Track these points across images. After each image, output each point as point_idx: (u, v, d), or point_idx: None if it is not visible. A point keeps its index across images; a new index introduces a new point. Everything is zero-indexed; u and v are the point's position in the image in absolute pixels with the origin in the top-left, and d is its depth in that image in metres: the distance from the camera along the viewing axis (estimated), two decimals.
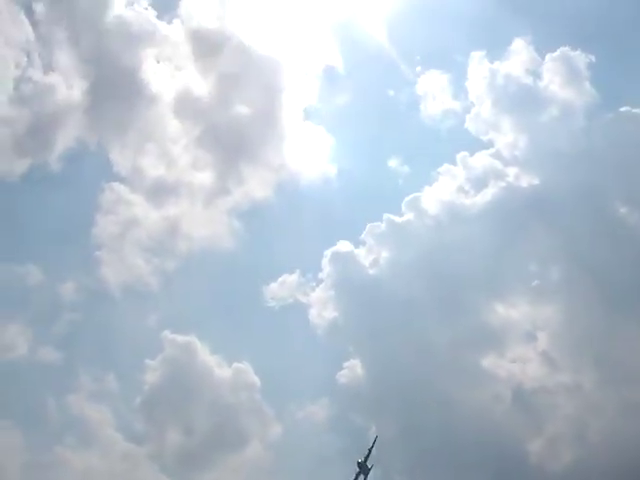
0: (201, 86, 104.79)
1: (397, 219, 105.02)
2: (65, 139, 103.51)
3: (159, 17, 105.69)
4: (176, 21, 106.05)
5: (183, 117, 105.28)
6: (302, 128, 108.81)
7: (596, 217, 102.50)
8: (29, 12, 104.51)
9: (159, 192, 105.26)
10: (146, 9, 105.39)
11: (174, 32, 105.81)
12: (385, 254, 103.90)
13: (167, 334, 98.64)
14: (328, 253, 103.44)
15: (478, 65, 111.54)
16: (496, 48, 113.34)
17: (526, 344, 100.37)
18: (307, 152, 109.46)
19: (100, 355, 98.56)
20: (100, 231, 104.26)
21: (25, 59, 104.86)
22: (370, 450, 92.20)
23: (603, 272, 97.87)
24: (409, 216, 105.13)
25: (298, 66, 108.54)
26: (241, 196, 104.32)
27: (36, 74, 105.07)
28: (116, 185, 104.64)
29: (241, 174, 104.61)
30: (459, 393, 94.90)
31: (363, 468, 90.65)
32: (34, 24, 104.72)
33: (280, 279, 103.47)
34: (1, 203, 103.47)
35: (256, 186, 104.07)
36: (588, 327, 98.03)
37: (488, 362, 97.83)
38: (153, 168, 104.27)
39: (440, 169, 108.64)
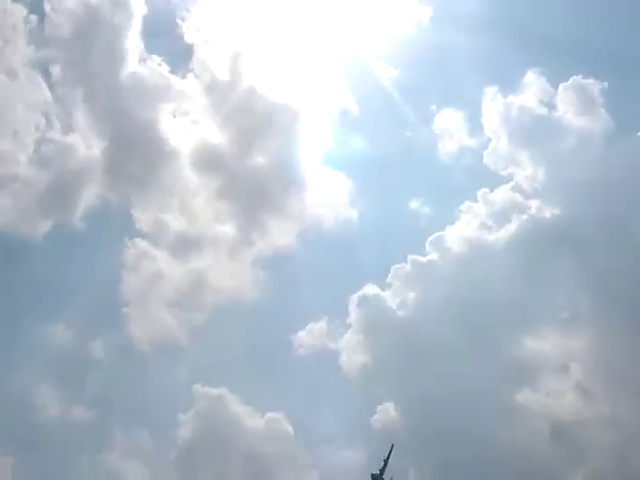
0: (218, 138, 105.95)
1: (422, 259, 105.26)
2: (87, 198, 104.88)
3: (173, 72, 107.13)
4: (190, 75, 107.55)
5: (202, 170, 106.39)
6: (321, 174, 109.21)
7: (621, 244, 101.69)
8: (46, 75, 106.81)
9: (182, 246, 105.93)
10: (159, 65, 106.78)
11: (189, 86, 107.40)
12: (412, 295, 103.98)
13: (198, 388, 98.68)
14: (355, 297, 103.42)
15: (492, 100, 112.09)
16: (509, 82, 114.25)
17: (560, 376, 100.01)
18: (327, 198, 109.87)
19: (132, 412, 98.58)
20: (126, 288, 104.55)
21: (44, 121, 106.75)
22: (386, 461, 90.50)
23: (631, 299, 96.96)
24: (433, 256, 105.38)
25: (313, 112, 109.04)
26: (264, 246, 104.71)
27: (55, 135, 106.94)
28: (139, 241, 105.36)
29: (263, 224, 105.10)
30: (495, 430, 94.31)
31: None
32: (51, 86, 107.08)
33: (308, 327, 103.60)
34: (26, 264, 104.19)
35: (279, 235, 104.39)
36: (621, 355, 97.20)
37: (523, 397, 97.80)
38: (175, 222, 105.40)
39: (461, 207, 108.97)
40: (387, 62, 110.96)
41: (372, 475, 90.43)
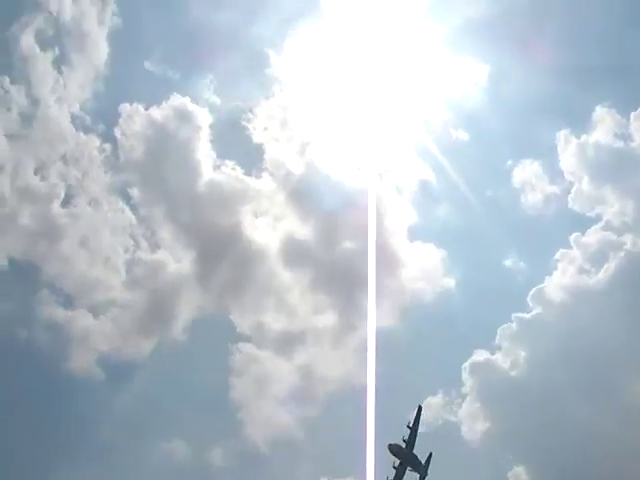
0: (303, 231, 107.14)
1: (526, 316, 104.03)
2: (185, 310, 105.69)
3: (247, 174, 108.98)
4: (264, 174, 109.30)
5: (293, 265, 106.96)
6: (411, 248, 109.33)
7: None
8: (126, 198, 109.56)
9: (286, 343, 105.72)
10: (233, 169, 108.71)
11: (265, 185, 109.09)
12: (523, 353, 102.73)
13: None
14: (466, 366, 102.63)
15: (566, 143, 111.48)
16: (579, 122, 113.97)
17: None
18: (422, 271, 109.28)
19: None
20: (237, 393, 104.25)
21: (132, 242, 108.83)
22: (412, 428, 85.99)
23: None
24: (537, 310, 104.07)
25: (392, 189, 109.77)
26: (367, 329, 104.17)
27: (144, 254, 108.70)
28: (243, 345, 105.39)
29: (362, 308, 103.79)
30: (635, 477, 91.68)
31: None
32: (133, 208, 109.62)
33: (424, 403, 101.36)
34: (136, 384, 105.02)
35: (380, 316, 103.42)
36: None
37: None
38: (275, 321, 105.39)
39: (556, 255, 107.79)
40: (455, 126, 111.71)
41: (390, 446, 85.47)
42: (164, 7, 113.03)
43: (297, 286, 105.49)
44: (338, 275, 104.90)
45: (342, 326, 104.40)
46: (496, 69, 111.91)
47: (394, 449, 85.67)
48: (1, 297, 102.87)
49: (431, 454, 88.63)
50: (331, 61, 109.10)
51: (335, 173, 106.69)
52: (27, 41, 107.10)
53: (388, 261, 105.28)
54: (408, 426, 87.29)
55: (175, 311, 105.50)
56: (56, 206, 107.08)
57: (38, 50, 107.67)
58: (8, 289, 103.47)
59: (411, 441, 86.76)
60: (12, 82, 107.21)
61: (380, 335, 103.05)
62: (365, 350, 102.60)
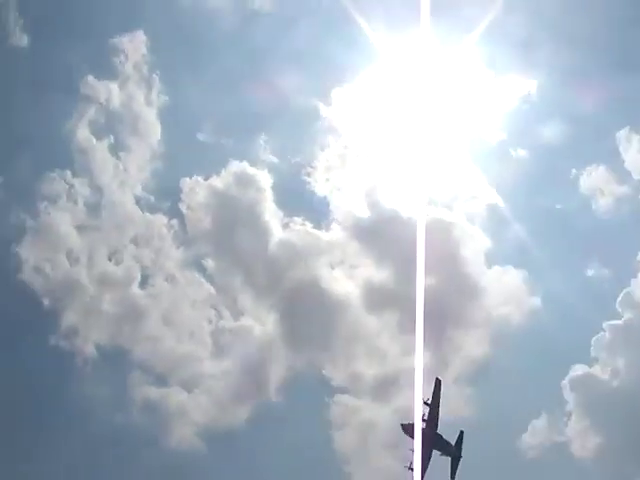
0: (381, 275, 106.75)
1: (618, 322, 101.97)
2: (277, 372, 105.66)
3: (317, 227, 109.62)
4: (333, 224, 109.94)
5: (377, 310, 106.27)
6: (492, 274, 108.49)
7: None
8: (201, 270, 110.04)
9: (382, 389, 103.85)
10: (302, 224, 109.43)
11: (336, 235, 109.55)
12: (621, 361, 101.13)
13: None
14: (566, 383, 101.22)
15: (628, 142, 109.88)
16: (638, 118, 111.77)
17: None
18: (505, 295, 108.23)
19: None
20: (341, 446, 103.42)
21: (214, 313, 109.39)
22: (432, 404, 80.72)
23: None
24: (628, 314, 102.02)
25: (462, 217, 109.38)
26: (461, 363, 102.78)
27: (228, 323, 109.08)
28: (339, 397, 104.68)
29: (453, 342, 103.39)
30: None
31: None
32: (210, 279, 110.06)
33: (529, 428, 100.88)
34: (238, 452, 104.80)
35: (471, 347, 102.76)
36: None
37: None
38: (368, 369, 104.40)
39: (639, 256, 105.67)
40: (513, 145, 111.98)
41: (404, 427, 79.75)
42: (207, 78, 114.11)
43: (384, 330, 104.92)
44: (423, 312, 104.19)
45: (436, 362, 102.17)
46: (544, 81, 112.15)
47: (410, 430, 79.25)
48: (94, 384, 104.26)
49: (462, 432, 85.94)
50: (380, 100, 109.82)
51: (403, 210, 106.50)
52: (83, 134, 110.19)
53: (471, 290, 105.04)
54: (426, 402, 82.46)
55: (266, 374, 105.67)
56: (135, 288, 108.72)
57: (94, 141, 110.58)
58: (100, 376, 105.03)
59: (433, 420, 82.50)
60: (74, 175, 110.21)
61: (474, 366, 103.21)
62: (464, 385, 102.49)
